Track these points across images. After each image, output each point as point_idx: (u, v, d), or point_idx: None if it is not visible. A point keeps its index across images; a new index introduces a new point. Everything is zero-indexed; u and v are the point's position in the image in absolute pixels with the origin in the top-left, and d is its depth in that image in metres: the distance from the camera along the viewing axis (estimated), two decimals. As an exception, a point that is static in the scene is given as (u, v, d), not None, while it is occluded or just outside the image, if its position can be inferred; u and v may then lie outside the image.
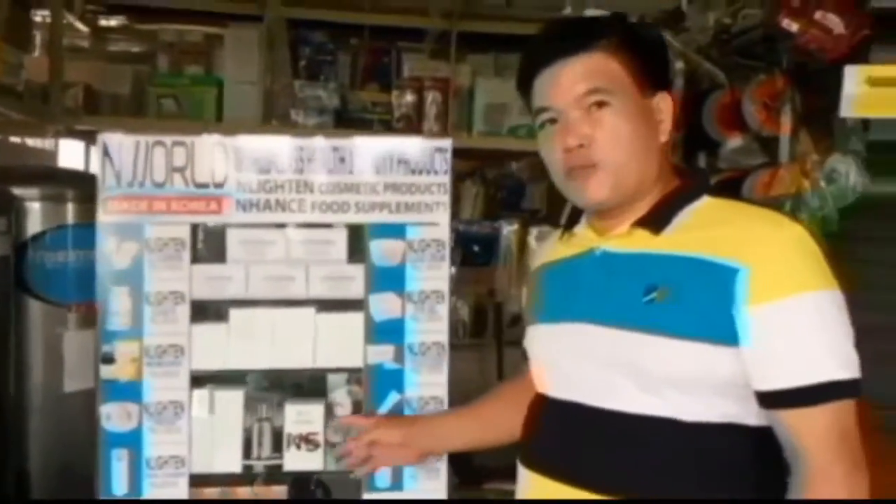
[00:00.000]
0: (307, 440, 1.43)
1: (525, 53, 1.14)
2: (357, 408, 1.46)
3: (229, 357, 1.42)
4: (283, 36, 3.06)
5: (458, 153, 1.51)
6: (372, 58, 3.24)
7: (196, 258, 1.42)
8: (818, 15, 1.61)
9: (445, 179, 1.47)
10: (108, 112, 2.96)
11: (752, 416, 0.98)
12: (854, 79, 1.45)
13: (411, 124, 2.94)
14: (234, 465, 1.42)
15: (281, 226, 1.44)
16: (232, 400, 1.43)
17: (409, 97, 2.99)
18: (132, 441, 1.39)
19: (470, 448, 1.43)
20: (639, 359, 1.00)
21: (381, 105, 3.03)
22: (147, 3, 3.12)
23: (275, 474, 1.44)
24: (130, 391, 1.39)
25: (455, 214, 1.70)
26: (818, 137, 1.80)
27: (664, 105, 1.07)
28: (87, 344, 2.11)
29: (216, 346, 1.41)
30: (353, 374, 1.46)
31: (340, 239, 1.45)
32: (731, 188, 1.88)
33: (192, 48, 3.15)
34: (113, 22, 3.23)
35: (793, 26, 1.64)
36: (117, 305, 1.39)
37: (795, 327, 0.94)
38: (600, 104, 1.03)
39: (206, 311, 1.44)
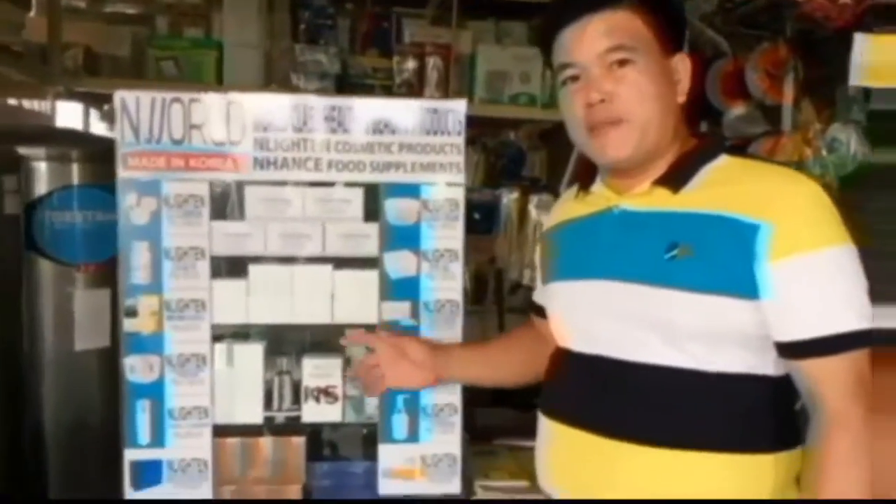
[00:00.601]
0: (326, 393, 1.47)
1: (548, 10, 1.15)
2: (373, 363, 1.49)
3: (249, 312, 1.45)
4: (283, -2, 3.04)
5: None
6: (371, 23, 3.22)
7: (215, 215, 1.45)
8: (823, -17, 1.63)
9: (459, 140, 1.50)
10: (108, 74, 2.93)
11: (771, 366, 1.03)
12: (863, 47, 1.47)
13: (412, 90, 2.94)
14: (255, 416, 1.46)
15: (298, 184, 1.47)
16: (252, 353, 1.46)
17: (411, 63, 2.99)
18: (155, 392, 1.42)
19: (476, 382, 1.45)
20: (663, 313, 1.03)
21: (382, 70, 3.02)
22: (146, -36, 3.09)
23: (294, 425, 1.48)
24: (152, 344, 1.42)
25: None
26: (820, 106, 1.83)
27: (683, 66, 1.10)
28: (98, 303, 2.14)
29: (236, 302, 1.44)
30: (370, 330, 1.49)
31: (356, 198, 1.48)
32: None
33: (192, 10, 3.12)
34: (111, -18, 3.20)
35: (798, -6, 1.66)
36: (138, 260, 1.42)
37: (815, 281, 0.98)
38: (623, 62, 1.05)
39: (227, 267, 1.47)
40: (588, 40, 1.06)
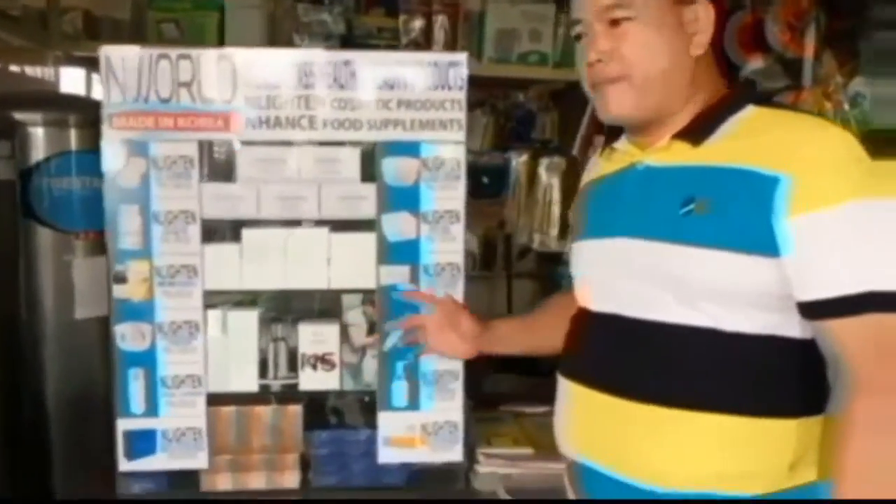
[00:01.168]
0: (323, 360, 1.43)
1: None
2: (371, 329, 1.45)
3: (243, 278, 1.40)
4: (284, -44, 2.96)
5: (468, 80, 1.46)
6: (377, -20, 3.14)
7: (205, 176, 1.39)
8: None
9: (460, 95, 1.43)
10: (108, 38, 2.87)
11: (795, 327, 0.97)
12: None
13: (419, 50, 2.86)
14: (250, 384, 1.42)
15: (291, 144, 1.41)
16: (246, 320, 1.42)
17: (418, 22, 2.90)
18: (147, 360, 1.39)
19: (518, 353, 1.44)
20: (675, 270, 0.98)
21: (388, 30, 2.95)
22: (143, -76, 3.01)
23: (291, 393, 1.44)
24: (143, 311, 1.38)
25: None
26: (843, 60, 1.75)
27: (703, 14, 1.03)
28: (97, 271, 2.10)
29: (229, 267, 1.40)
30: (368, 296, 1.45)
31: (352, 157, 1.42)
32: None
33: (192, -29, 3.04)
34: (109, -57, 3.12)
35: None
36: (128, 224, 1.37)
37: (838, 237, 0.91)
38: (622, 19, 1.02)
39: (218, 231, 1.42)
40: None
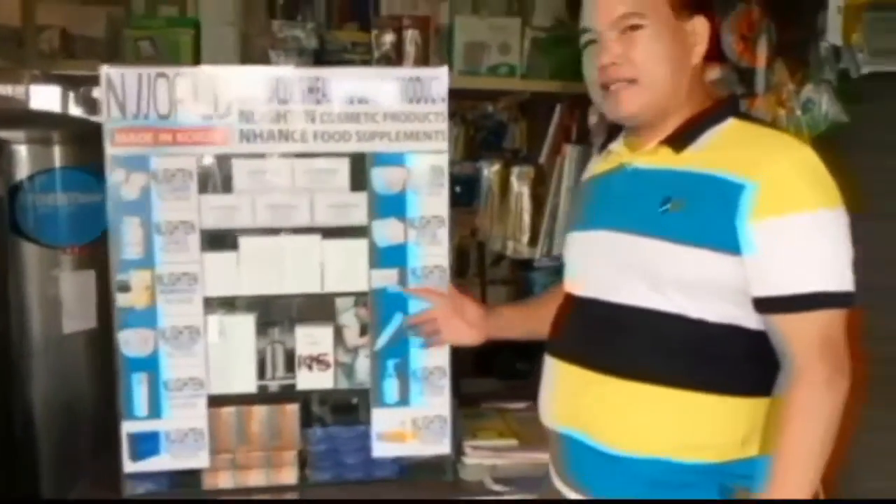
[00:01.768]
0: (318, 361, 1.50)
1: None
2: (364, 330, 1.53)
3: (241, 284, 1.47)
4: (257, -26, 3.02)
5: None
6: (348, -4, 3.21)
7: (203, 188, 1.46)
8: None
9: (443, 108, 1.53)
10: (84, 55, 2.91)
11: (752, 320, 1.08)
12: (838, 5, 1.51)
13: (391, 65, 2.94)
14: (249, 385, 1.49)
15: (285, 156, 1.49)
16: (245, 324, 1.49)
17: (389, 37, 2.98)
18: (150, 365, 1.45)
19: (523, 338, 1.51)
20: (649, 261, 1.10)
21: (361, 45, 3.01)
22: (117, -58, 3.05)
23: (288, 393, 1.51)
24: (145, 318, 1.44)
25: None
26: (793, 68, 1.87)
27: (700, 28, 1.15)
28: (84, 285, 2.15)
29: (228, 274, 1.47)
30: (360, 298, 1.53)
31: (343, 168, 1.50)
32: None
33: (167, -11, 3.09)
34: (83, -38, 3.15)
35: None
36: (129, 236, 1.43)
37: (794, 241, 1.03)
38: (634, 27, 1.12)
39: (217, 240, 1.48)
40: (603, 8, 1.14)
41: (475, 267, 3.47)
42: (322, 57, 3.00)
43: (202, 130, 1.45)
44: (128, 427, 1.45)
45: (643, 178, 1.16)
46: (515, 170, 2.90)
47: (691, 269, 1.06)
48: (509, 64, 2.93)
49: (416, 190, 1.51)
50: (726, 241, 1.05)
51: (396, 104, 1.50)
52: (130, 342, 1.44)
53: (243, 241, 1.47)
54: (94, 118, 2.64)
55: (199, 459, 1.48)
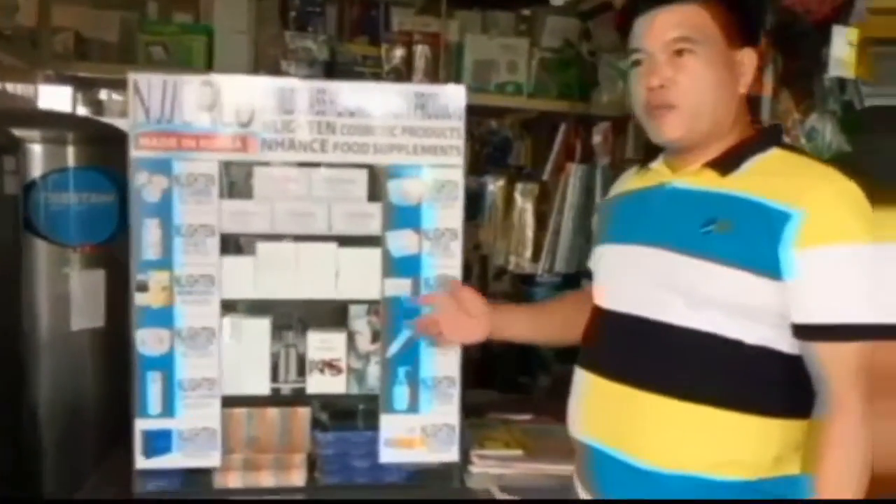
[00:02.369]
0: (330, 366, 1.53)
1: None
2: (375, 337, 1.56)
3: (257, 287, 1.50)
4: (272, -16, 3.07)
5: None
6: (359, 10, 3.27)
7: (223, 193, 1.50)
8: (805, -24, 1.71)
9: (460, 124, 1.57)
10: (97, 59, 2.94)
11: (786, 344, 1.11)
12: (842, 39, 1.56)
13: (401, 78, 2.99)
14: (262, 387, 1.52)
15: (305, 165, 1.52)
16: (260, 327, 1.52)
17: (399, 51, 3.03)
18: (165, 364, 1.47)
19: (527, 340, 1.55)
20: (689, 279, 1.12)
21: (371, 58, 3.06)
22: (134, -51, 3.09)
23: (299, 396, 1.54)
24: (162, 317, 1.47)
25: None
26: (799, 98, 1.92)
27: (748, 60, 1.18)
28: (93, 284, 2.18)
29: (245, 277, 1.50)
30: (373, 306, 1.56)
31: (361, 178, 1.54)
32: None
33: (181, -5, 3.14)
34: (99, -33, 3.19)
35: (781, -13, 1.74)
36: (150, 236, 1.46)
37: (837, 271, 1.06)
38: (685, 51, 1.14)
39: (235, 244, 1.52)
40: (656, 30, 1.16)
41: (477, 280, 3.50)
42: (333, 69, 3.05)
43: (225, 137, 1.48)
44: (140, 424, 1.48)
45: (685, 198, 1.18)
46: (519, 186, 2.95)
47: (732, 291, 1.09)
48: (517, 82, 2.99)
49: (432, 202, 1.55)
50: (769, 266, 1.07)
51: (415, 119, 1.54)
52: (146, 341, 1.46)
53: (261, 247, 1.51)
54: (110, 121, 2.67)
55: (210, 459, 1.50)
